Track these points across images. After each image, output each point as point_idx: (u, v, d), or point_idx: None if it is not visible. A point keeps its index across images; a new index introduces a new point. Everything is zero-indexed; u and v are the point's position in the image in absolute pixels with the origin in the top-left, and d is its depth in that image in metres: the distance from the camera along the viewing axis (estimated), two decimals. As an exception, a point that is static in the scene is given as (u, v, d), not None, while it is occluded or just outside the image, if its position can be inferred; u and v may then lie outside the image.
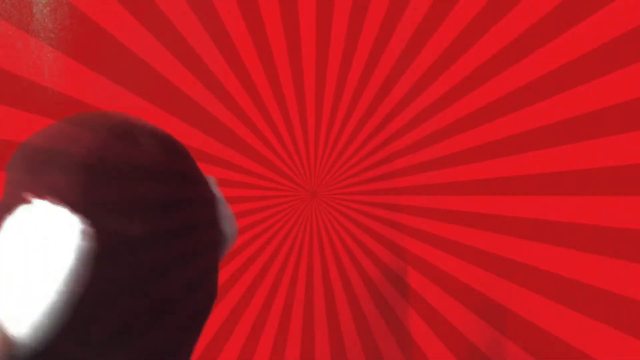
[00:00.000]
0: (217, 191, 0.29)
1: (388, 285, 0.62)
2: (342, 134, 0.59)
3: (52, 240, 0.22)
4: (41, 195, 0.22)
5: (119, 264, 0.21)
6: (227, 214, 0.29)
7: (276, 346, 0.56)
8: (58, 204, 0.21)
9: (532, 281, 0.50)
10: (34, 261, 0.21)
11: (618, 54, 0.42)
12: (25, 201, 0.22)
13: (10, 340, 0.21)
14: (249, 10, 0.55)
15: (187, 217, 0.25)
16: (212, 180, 0.30)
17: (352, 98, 0.59)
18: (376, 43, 0.57)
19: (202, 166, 0.57)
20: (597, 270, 0.45)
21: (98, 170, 0.22)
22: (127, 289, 0.22)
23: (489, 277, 0.53)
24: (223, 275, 0.56)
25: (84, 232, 0.21)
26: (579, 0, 0.44)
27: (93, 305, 0.21)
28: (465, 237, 0.55)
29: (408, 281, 0.61)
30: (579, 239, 0.46)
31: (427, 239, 0.59)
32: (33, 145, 0.24)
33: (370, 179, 0.60)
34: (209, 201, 0.27)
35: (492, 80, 0.51)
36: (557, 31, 0.46)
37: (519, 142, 0.50)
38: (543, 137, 0.48)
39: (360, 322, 0.62)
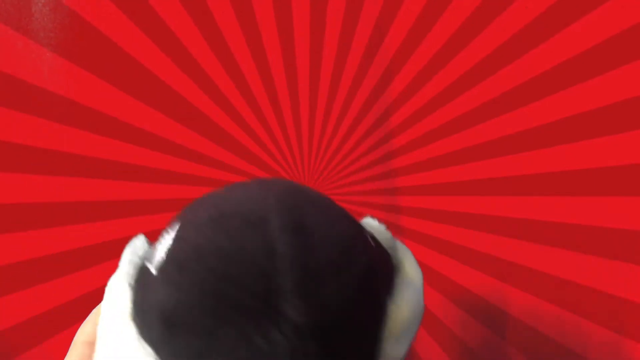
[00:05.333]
0: None
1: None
2: (336, 133, 0.61)
3: None
4: None
5: None
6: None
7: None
8: None
9: (533, 284, 0.51)
10: None
11: (614, 53, 0.44)
12: None
13: None
14: (243, 12, 0.58)
15: None
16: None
17: (347, 97, 0.61)
18: (371, 41, 0.60)
19: (195, 166, 0.59)
20: (595, 272, 0.46)
21: None
22: None
23: (489, 281, 0.55)
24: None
25: None
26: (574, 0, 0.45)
27: None
28: (467, 239, 0.56)
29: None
30: (579, 241, 0.47)
31: (427, 241, 0.60)
32: None
33: (366, 179, 0.62)
34: None
35: (490, 78, 0.53)
36: (553, 30, 0.48)
37: (520, 141, 0.52)
38: (546, 136, 0.50)
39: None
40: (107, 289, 0.27)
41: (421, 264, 0.60)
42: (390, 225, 0.62)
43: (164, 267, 0.24)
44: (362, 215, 0.62)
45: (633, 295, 0.43)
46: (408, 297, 0.27)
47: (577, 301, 0.47)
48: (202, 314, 0.23)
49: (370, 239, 0.28)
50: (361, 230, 0.28)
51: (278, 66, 0.59)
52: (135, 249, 0.28)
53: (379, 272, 0.27)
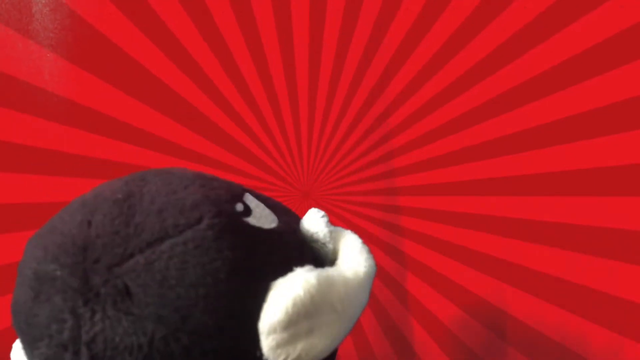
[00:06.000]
0: None
1: (386, 291, 0.64)
2: (336, 131, 0.62)
3: None
4: None
5: None
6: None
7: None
8: None
9: (533, 284, 0.51)
10: None
11: (614, 53, 0.44)
12: None
13: None
14: (242, 12, 0.58)
15: None
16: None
17: (346, 97, 0.61)
18: (370, 41, 0.60)
19: (192, 166, 0.60)
20: (595, 272, 0.46)
21: None
22: None
23: (489, 281, 0.55)
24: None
25: None
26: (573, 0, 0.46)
27: None
28: (467, 239, 0.57)
29: (407, 287, 0.63)
30: (579, 241, 0.47)
31: (427, 241, 0.60)
32: None
33: (366, 179, 0.62)
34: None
35: (489, 78, 0.53)
36: (553, 30, 0.48)
37: (520, 141, 0.52)
38: (545, 136, 0.50)
39: (356, 329, 0.64)
40: None
41: (421, 264, 0.61)
42: (390, 226, 0.62)
43: None
44: (361, 215, 0.62)
45: (633, 295, 0.43)
46: (308, 289, 0.24)
47: (577, 301, 0.47)
48: (25, 295, 0.23)
49: (239, 211, 0.26)
50: (219, 201, 0.26)
51: (277, 66, 0.60)
52: None
53: (247, 247, 0.25)
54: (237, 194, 0.28)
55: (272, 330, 0.23)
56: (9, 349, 0.29)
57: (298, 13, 0.59)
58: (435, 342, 0.60)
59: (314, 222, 0.31)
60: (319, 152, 0.61)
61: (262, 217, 0.28)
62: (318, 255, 0.30)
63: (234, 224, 0.25)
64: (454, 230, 0.58)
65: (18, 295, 0.24)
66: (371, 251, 0.31)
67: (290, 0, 0.58)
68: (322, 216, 0.31)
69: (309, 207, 0.63)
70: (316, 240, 0.30)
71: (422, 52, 0.57)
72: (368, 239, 0.67)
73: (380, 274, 0.64)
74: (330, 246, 0.30)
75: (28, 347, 0.24)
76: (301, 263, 0.26)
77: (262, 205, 0.29)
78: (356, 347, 0.63)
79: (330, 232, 0.30)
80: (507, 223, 0.53)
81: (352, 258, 0.29)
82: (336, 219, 0.61)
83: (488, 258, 0.55)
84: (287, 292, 0.24)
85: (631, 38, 0.43)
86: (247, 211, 0.27)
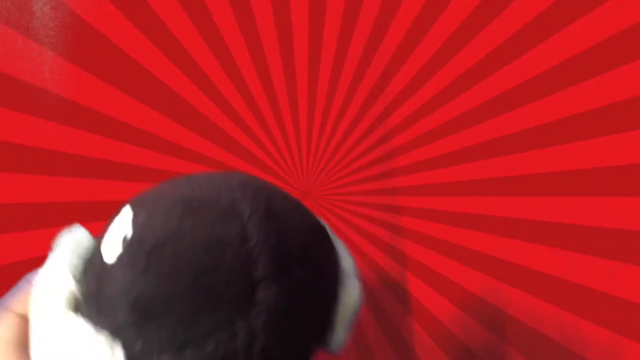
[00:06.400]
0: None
1: (386, 292, 0.64)
2: (336, 131, 0.62)
3: None
4: None
5: None
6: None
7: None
8: None
9: (533, 284, 0.51)
10: None
11: (614, 53, 0.44)
12: None
13: None
14: (242, 12, 0.59)
15: None
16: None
17: (345, 97, 0.61)
18: (370, 41, 0.60)
19: (194, 167, 0.60)
20: (595, 272, 0.46)
21: None
22: None
23: (489, 281, 0.55)
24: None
25: None
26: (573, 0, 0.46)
27: None
28: (467, 240, 0.57)
29: (407, 288, 0.63)
30: (579, 241, 0.47)
31: (427, 241, 0.61)
32: None
33: (365, 179, 0.62)
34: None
35: (489, 78, 0.53)
36: (552, 30, 0.48)
37: (520, 141, 0.52)
38: (545, 136, 0.50)
39: (356, 331, 0.64)
40: (41, 279, 0.26)
41: (421, 265, 0.61)
42: (390, 226, 0.62)
43: (127, 253, 0.24)
44: (361, 215, 0.62)
45: (633, 295, 0.43)
46: (353, 284, 0.29)
47: (577, 301, 0.47)
48: (178, 302, 0.23)
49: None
50: (315, 217, 0.30)
51: (277, 66, 0.60)
52: (78, 240, 0.27)
53: (335, 257, 0.29)
54: None
55: (345, 325, 0.28)
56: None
57: (298, 13, 0.59)
58: (435, 342, 0.60)
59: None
60: (319, 152, 0.61)
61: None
62: None
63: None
64: (454, 230, 0.58)
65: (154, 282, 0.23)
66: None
67: (290, 0, 0.59)
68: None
69: (309, 207, 0.63)
70: None
71: (422, 52, 0.58)
72: (368, 239, 0.67)
73: (380, 274, 0.64)
74: None
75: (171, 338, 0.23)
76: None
77: None
78: (356, 347, 0.63)
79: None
80: (507, 223, 0.53)
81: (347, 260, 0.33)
82: (336, 219, 0.62)
83: (488, 258, 0.55)
84: (357, 293, 0.29)
85: (631, 38, 0.43)
86: None
